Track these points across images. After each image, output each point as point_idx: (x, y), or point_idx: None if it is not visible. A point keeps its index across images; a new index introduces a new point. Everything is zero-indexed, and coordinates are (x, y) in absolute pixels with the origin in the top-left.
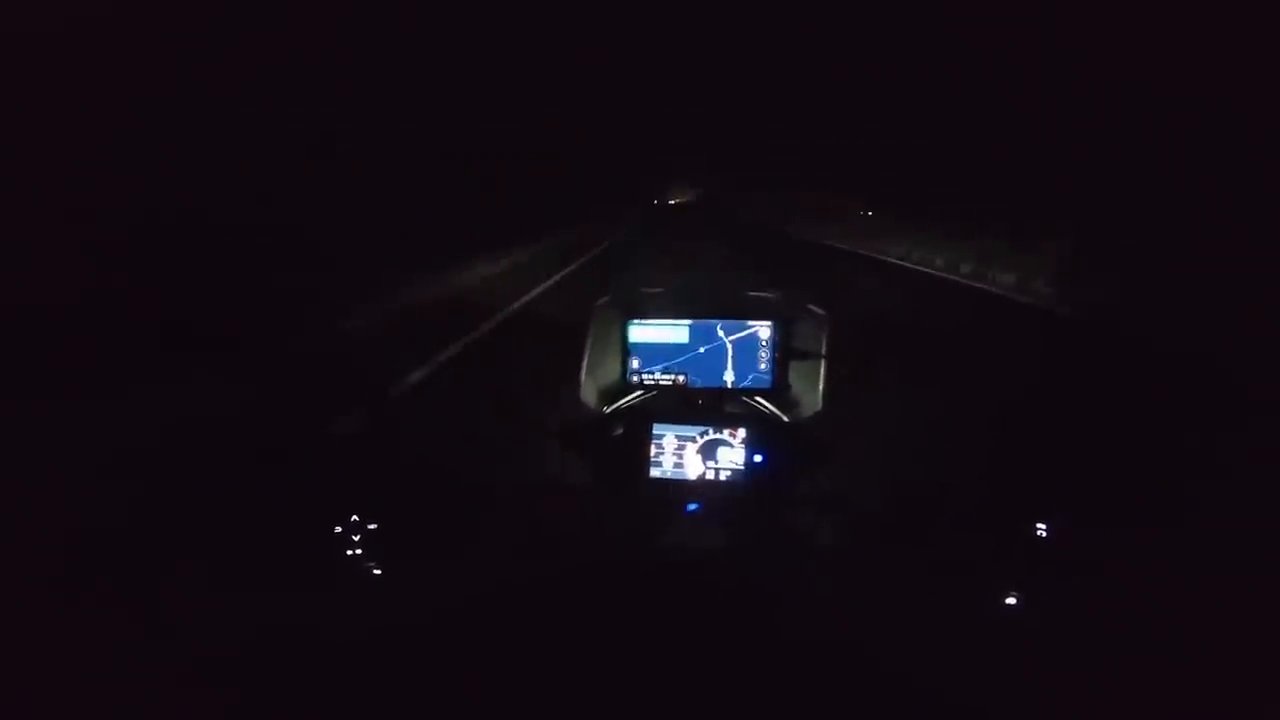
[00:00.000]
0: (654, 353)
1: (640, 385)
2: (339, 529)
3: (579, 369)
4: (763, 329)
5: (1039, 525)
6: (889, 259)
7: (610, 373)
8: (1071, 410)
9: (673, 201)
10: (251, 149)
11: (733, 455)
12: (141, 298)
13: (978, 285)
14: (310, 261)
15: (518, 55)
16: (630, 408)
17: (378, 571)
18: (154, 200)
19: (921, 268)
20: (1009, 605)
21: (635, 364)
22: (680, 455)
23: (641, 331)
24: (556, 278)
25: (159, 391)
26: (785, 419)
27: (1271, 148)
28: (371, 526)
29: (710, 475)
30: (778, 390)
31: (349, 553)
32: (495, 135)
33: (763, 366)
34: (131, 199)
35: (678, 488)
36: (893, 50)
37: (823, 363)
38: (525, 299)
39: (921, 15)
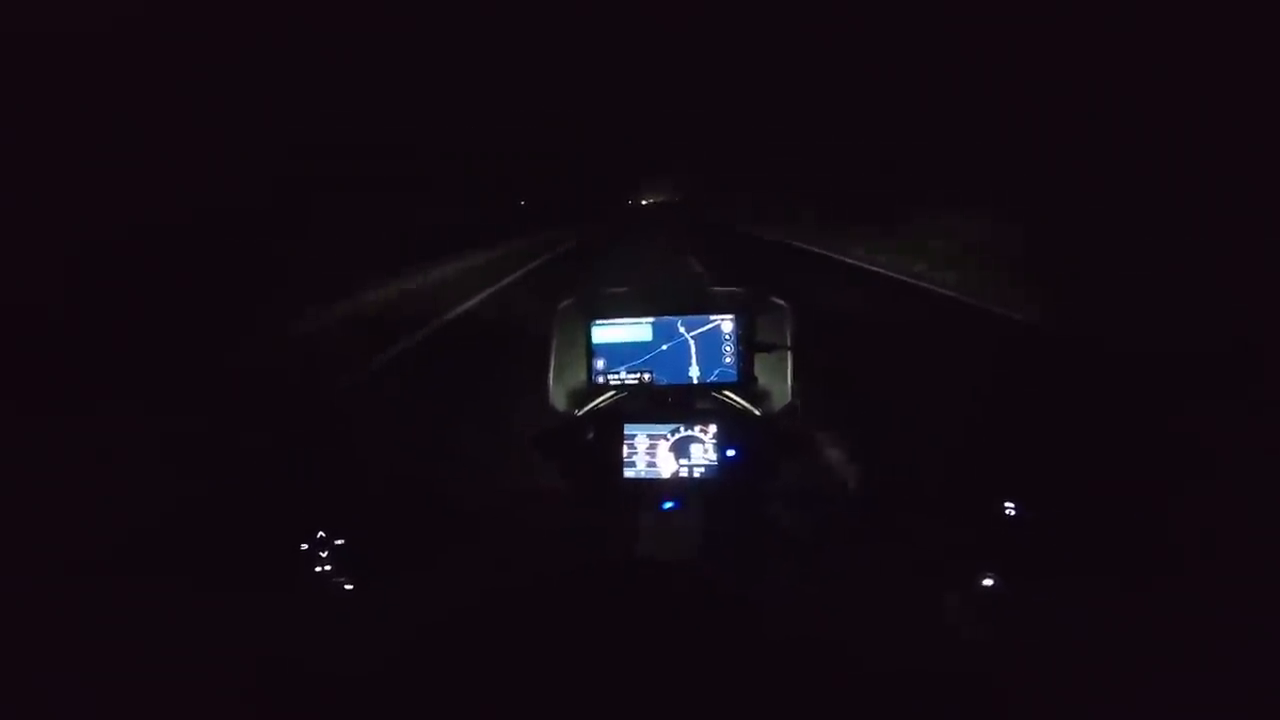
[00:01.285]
0: (618, 352)
1: (607, 386)
2: (305, 546)
3: (546, 373)
4: (725, 322)
5: (1007, 504)
6: (857, 261)
7: (578, 375)
8: (1033, 398)
9: (645, 202)
10: (218, 152)
11: (705, 451)
12: (88, 308)
13: (942, 291)
14: (263, 265)
15: (491, 53)
16: (600, 409)
17: (349, 587)
18: (104, 207)
19: (888, 271)
20: (986, 586)
21: (600, 364)
22: (653, 454)
23: (604, 332)
24: (515, 276)
25: (108, 406)
26: (756, 413)
27: (1224, 149)
28: (339, 542)
29: (684, 472)
30: (744, 383)
31: (317, 569)
32: (464, 134)
33: (727, 360)
34: (81, 207)
35: (652, 487)
36: (870, 54)
37: (789, 354)
38: (480, 297)
39: (902, 21)
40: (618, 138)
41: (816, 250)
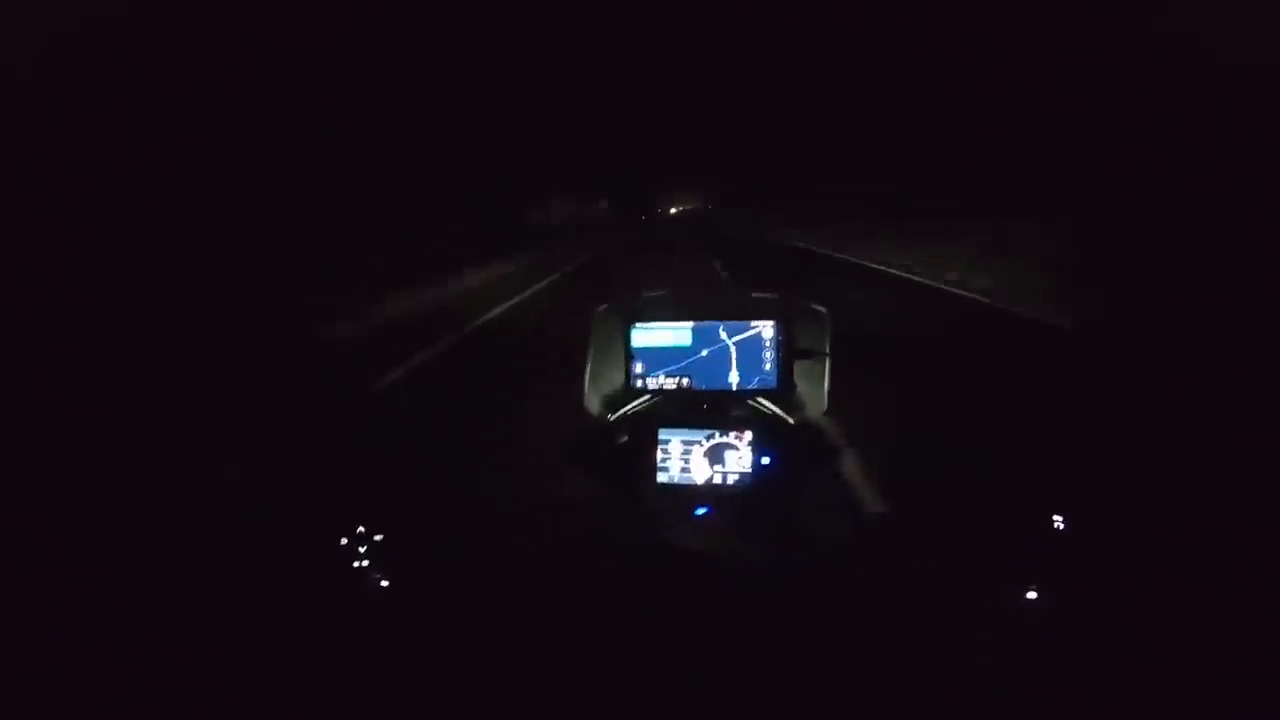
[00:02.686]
0: (657, 357)
1: (644, 390)
2: (344, 540)
3: (582, 377)
4: (766, 329)
5: (1055, 517)
6: (887, 268)
7: (613, 380)
8: (1079, 410)
9: (673, 211)
10: (244, 161)
11: (740, 458)
12: (126, 308)
13: (981, 299)
14: (299, 271)
15: (512, 59)
16: (634, 414)
17: (385, 584)
18: (137, 210)
19: (920, 278)
20: (1030, 600)
21: (638, 369)
22: (687, 460)
23: (644, 335)
24: (547, 282)
25: (152, 402)
26: (791, 420)
27: (1261, 153)
28: (378, 537)
29: (718, 479)
30: (783, 390)
31: (355, 565)
32: (489, 141)
33: (767, 367)
34: (108, 209)
35: (686, 493)
36: (893, 61)
37: (827, 362)
38: (514, 302)
39: (923, 26)
40: (644, 146)
41: (845, 257)
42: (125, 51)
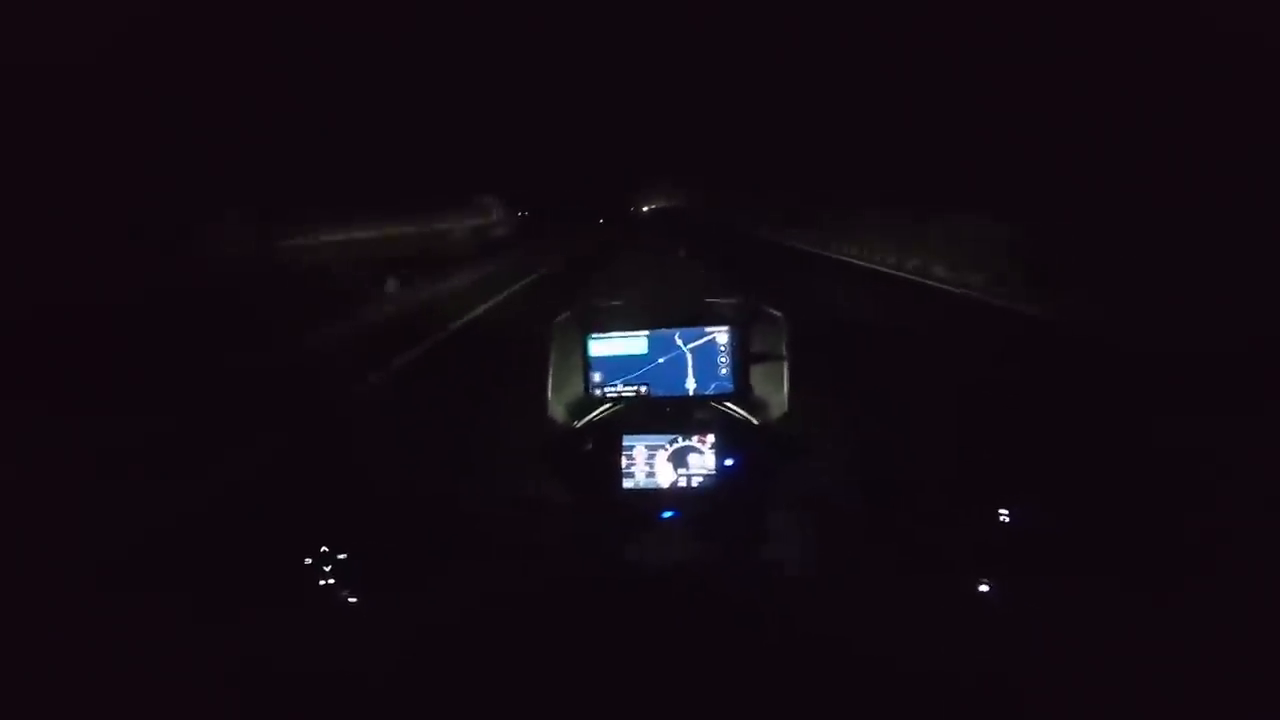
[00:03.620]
0: (614, 366)
1: (604, 399)
2: (308, 560)
3: (545, 386)
4: (720, 334)
5: (1002, 511)
6: (855, 261)
7: (576, 388)
8: (1030, 402)
9: (646, 209)
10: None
11: (703, 461)
12: (93, 317)
13: (943, 286)
14: (260, 275)
15: (486, 56)
16: (599, 421)
17: (353, 600)
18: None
19: (886, 269)
20: (982, 593)
21: (597, 378)
22: (651, 465)
23: (601, 345)
24: (515, 289)
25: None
26: (754, 422)
27: (1247, 145)
28: (341, 556)
29: (683, 482)
30: (740, 395)
31: (321, 584)
32: (461, 140)
33: (723, 372)
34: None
35: (651, 497)
36: (872, 52)
37: (785, 364)
38: (480, 310)
39: (905, 17)
40: (615, 141)
41: (814, 251)
42: (111, 57)
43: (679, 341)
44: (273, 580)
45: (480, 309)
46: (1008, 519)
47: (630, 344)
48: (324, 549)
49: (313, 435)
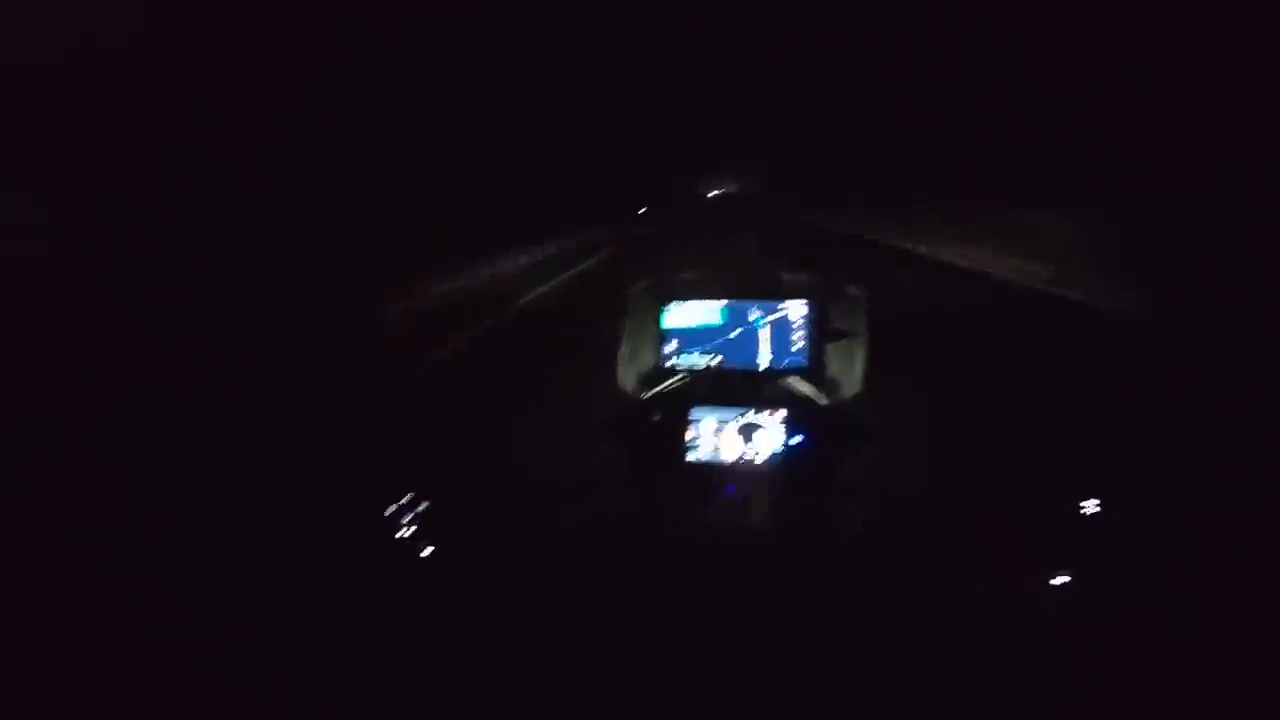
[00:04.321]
0: (689, 336)
1: (675, 369)
2: (391, 509)
3: (615, 356)
4: (797, 309)
5: (1087, 503)
6: (933, 253)
7: (647, 359)
8: (1119, 398)
9: (713, 193)
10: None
11: (771, 438)
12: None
13: (1030, 284)
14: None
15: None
16: (668, 393)
17: (427, 553)
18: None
19: (964, 262)
20: (1058, 585)
21: (671, 347)
22: (718, 438)
23: (676, 315)
24: (585, 265)
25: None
26: (824, 401)
27: None
28: (423, 506)
29: (749, 458)
30: (813, 371)
31: (400, 534)
32: (526, 123)
33: (798, 348)
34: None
35: (716, 470)
36: (944, 41)
37: (861, 344)
38: (552, 284)
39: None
40: (685, 125)
41: (892, 242)
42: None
43: (755, 314)
44: (357, 529)
45: (552, 282)
46: (1092, 510)
47: (706, 314)
48: (407, 498)
49: (395, 398)
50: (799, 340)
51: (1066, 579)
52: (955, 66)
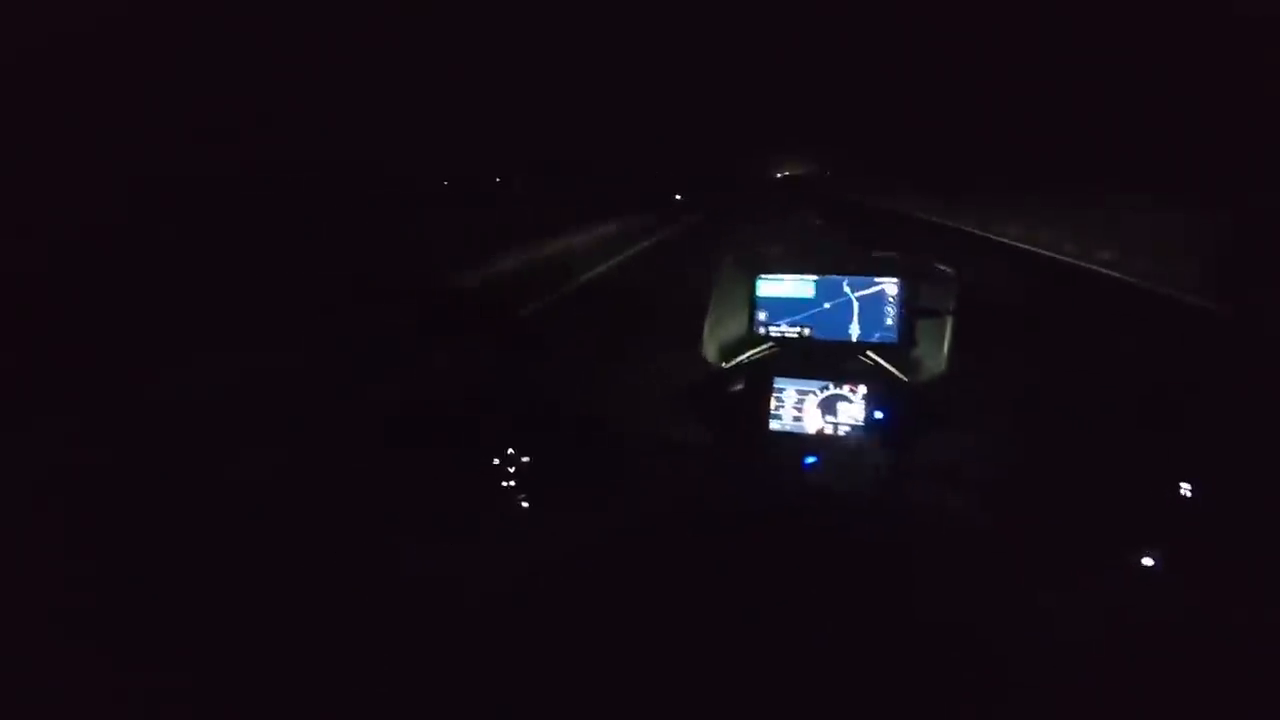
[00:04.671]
0: (781, 307)
1: (766, 338)
2: (497, 461)
3: (702, 325)
4: (890, 286)
5: (1184, 485)
6: (1018, 244)
7: (732, 329)
8: (1222, 389)
9: (782, 175)
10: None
11: (852, 411)
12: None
13: (1131, 280)
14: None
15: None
16: (751, 362)
17: (526, 505)
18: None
19: (1049, 252)
20: (1146, 566)
21: (762, 316)
22: (800, 409)
23: (770, 286)
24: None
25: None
26: (905, 379)
27: None
28: (525, 460)
29: (829, 430)
30: (903, 346)
31: (504, 484)
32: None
33: (889, 323)
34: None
35: (797, 441)
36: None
37: (949, 323)
38: (639, 248)
39: None
40: (756, 105)
41: (971, 229)
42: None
43: (847, 289)
44: (466, 477)
45: (634, 249)
46: (1189, 493)
47: (799, 287)
48: (510, 451)
49: (495, 353)
50: (890, 315)
51: (1162, 557)
52: (1038, 48)
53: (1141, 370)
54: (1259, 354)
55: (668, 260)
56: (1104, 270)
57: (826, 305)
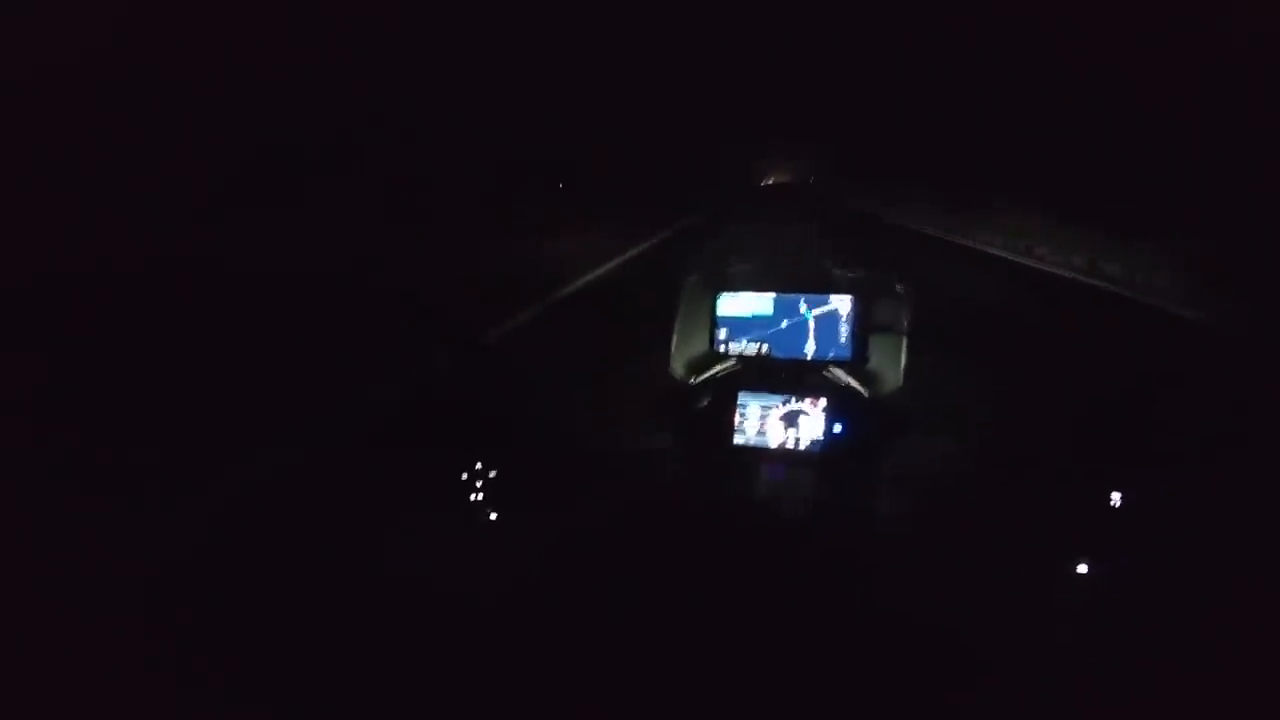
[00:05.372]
0: (740, 324)
1: (726, 354)
2: (465, 475)
3: (669, 341)
4: (843, 304)
5: (1114, 494)
6: (985, 248)
7: (698, 345)
8: (1156, 397)
9: (766, 183)
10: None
11: (813, 425)
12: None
13: (1082, 279)
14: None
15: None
16: (716, 378)
17: (494, 517)
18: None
19: (1014, 257)
20: (1080, 574)
21: (722, 334)
22: (763, 423)
23: (729, 303)
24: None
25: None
26: (865, 393)
27: None
28: (492, 474)
29: (791, 443)
30: (856, 362)
31: (472, 498)
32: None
33: (843, 340)
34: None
35: (760, 454)
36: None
37: (904, 339)
38: (607, 268)
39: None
40: (739, 112)
41: (946, 237)
42: None
43: (803, 307)
44: (433, 489)
45: (606, 267)
46: (1119, 503)
47: (757, 304)
48: (478, 465)
49: (464, 367)
50: (844, 333)
51: (1095, 564)
52: (1017, 55)
53: (1094, 380)
54: (1198, 357)
55: (642, 274)
56: (1094, 282)
57: (784, 324)
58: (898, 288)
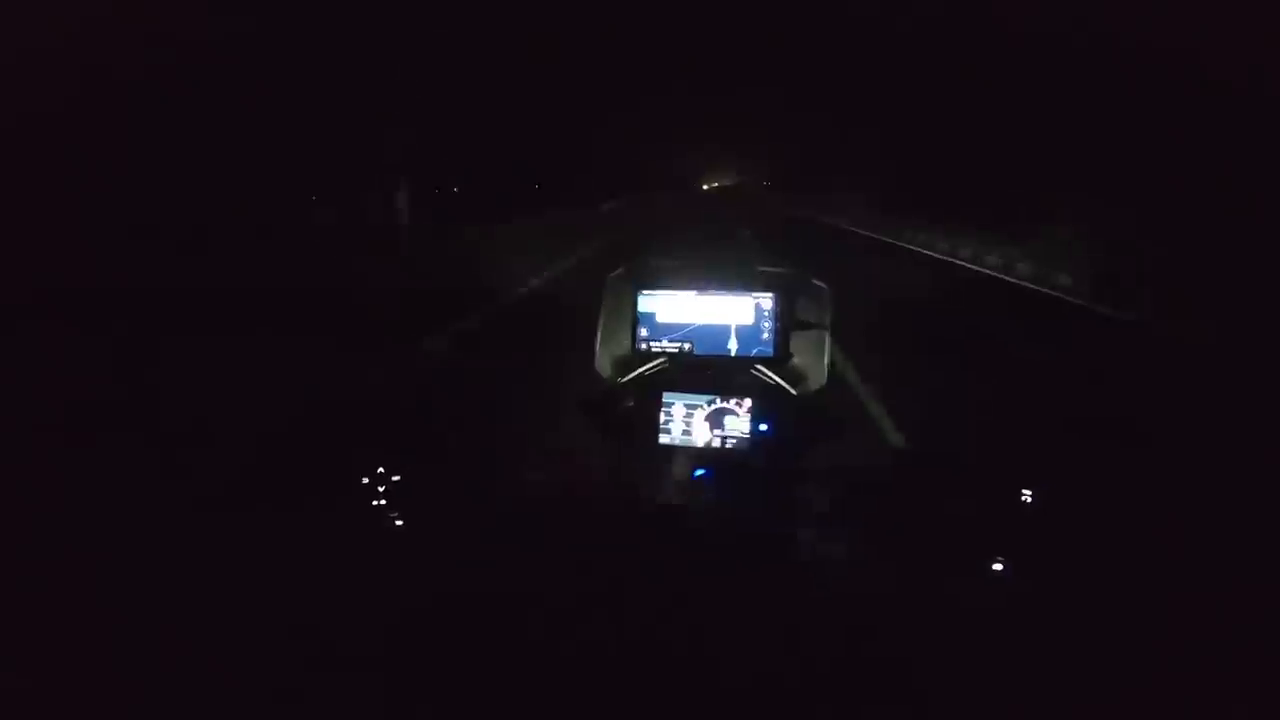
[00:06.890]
0: (661, 323)
1: (648, 354)
2: (365, 480)
3: (594, 340)
4: (765, 300)
5: (1025, 492)
6: (912, 247)
7: (623, 344)
8: (1072, 390)
9: (706, 187)
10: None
11: (739, 424)
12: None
13: (1000, 276)
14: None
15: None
16: (642, 378)
17: (400, 523)
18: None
19: (935, 254)
20: (996, 571)
21: (643, 332)
22: (689, 423)
23: (649, 301)
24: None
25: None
26: (793, 391)
27: None
28: (396, 479)
29: (717, 443)
30: (779, 360)
31: (374, 503)
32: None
33: (765, 337)
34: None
35: (687, 453)
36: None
37: (827, 336)
38: (543, 277)
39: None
40: (678, 119)
41: (873, 234)
42: None
43: (725, 304)
44: (328, 494)
45: (545, 275)
46: (1030, 499)
47: (679, 302)
48: (380, 470)
49: (382, 376)
50: (766, 330)
51: (1010, 562)
52: (948, 62)
53: (1012, 372)
54: (1123, 356)
55: (566, 278)
56: (1012, 279)
57: (706, 321)
58: (817, 284)
